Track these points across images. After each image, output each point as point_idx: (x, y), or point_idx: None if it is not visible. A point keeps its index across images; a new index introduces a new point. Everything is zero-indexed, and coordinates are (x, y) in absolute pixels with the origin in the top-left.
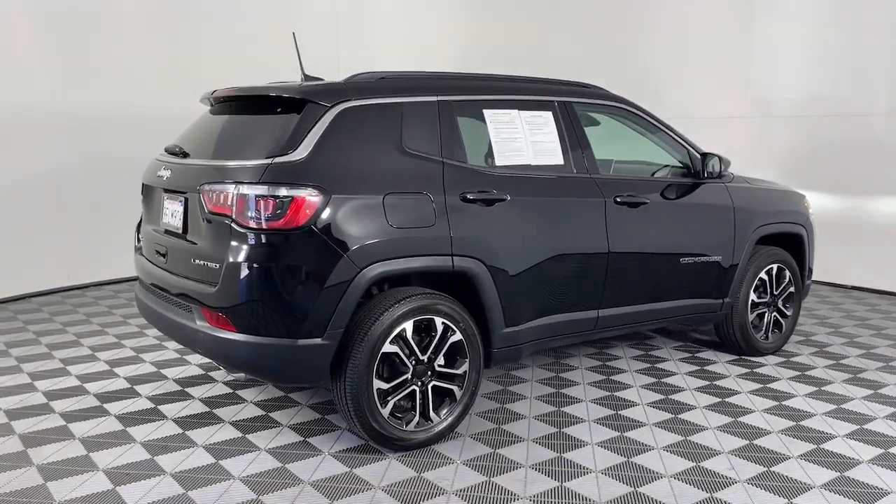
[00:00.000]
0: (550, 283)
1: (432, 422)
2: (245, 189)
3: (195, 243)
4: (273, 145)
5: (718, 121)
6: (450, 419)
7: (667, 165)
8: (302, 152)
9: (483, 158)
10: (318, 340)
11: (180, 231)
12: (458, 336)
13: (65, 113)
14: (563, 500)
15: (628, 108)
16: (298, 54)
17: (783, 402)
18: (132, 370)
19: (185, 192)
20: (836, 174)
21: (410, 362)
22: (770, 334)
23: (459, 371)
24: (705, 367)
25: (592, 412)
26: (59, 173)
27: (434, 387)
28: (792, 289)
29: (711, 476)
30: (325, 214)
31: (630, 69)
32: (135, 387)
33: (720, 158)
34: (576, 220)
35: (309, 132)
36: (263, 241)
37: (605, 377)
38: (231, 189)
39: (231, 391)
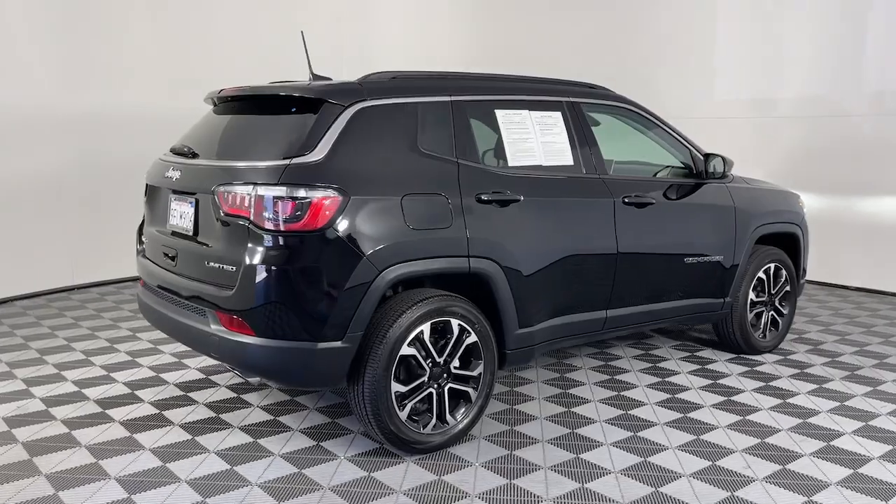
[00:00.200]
0: (562, 284)
1: (448, 424)
2: (263, 190)
3: (209, 245)
4: (290, 146)
5: (719, 121)
6: (465, 421)
7: (668, 166)
8: (320, 153)
9: (495, 159)
10: (337, 344)
11: (191, 233)
12: (473, 338)
13: (68, 112)
14: (587, 502)
15: (633, 108)
16: (307, 53)
17: (788, 400)
18: (130, 375)
19: (196, 194)
20: (840, 174)
21: (427, 365)
22: (767, 333)
23: (474, 373)
24: (706, 366)
25: (602, 412)
26: (60, 173)
27: (450, 389)
28: (788, 288)
29: (729, 475)
30: (345, 216)
31: (630, 68)
32: (136, 392)
33: (724, 159)
34: (587, 220)
35: (326, 132)
36: (282, 243)
37: (609, 377)
38: (248, 190)
39: (235, 395)
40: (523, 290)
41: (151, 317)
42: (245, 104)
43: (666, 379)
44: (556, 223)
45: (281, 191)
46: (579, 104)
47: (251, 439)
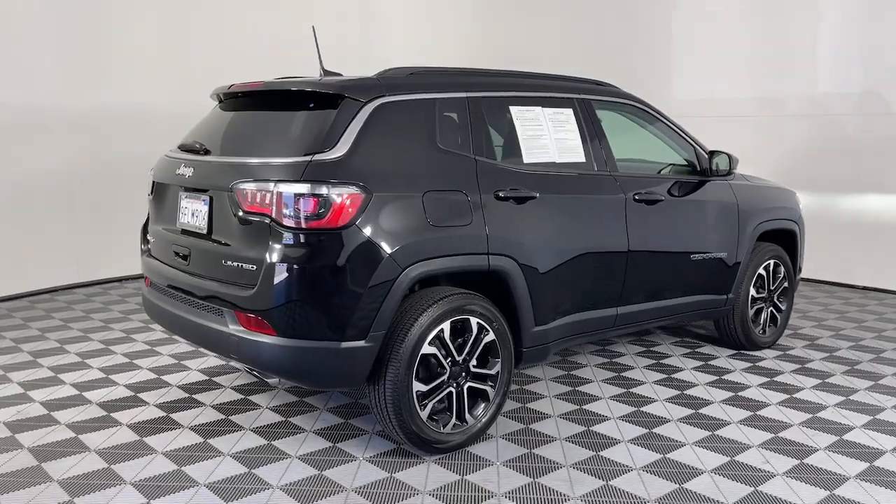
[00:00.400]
0: (576, 282)
1: (468, 423)
2: (285, 187)
3: (227, 244)
4: (310, 142)
5: (720, 119)
6: (484, 420)
7: (670, 164)
8: (341, 149)
9: (510, 156)
10: (361, 343)
11: (204, 231)
12: (491, 336)
13: (75, 110)
14: (614, 499)
15: (639, 105)
16: (318, 49)
17: (794, 395)
18: (130, 377)
19: (209, 191)
20: (843, 173)
21: (447, 363)
22: (767, 329)
23: (493, 371)
24: (709, 362)
25: (615, 409)
26: (67, 171)
27: (468, 388)
28: (786, 284)
29: (749, 470)
30: (368, 213)
31: (630, 66)
32: (139, 395)
33: (729, 156)
34: (600, 217)
35: (346, 129)
36: (305, 241)
37: (616, 374)
38: (269, 187)
39: (242, 397)
40: (539, 288)
41: (159, 317)
42: (259, 100)
43: (672, 375)
44: (570, 220)
45: (303, 188)
46: (589, 101)
47: (265, 441)
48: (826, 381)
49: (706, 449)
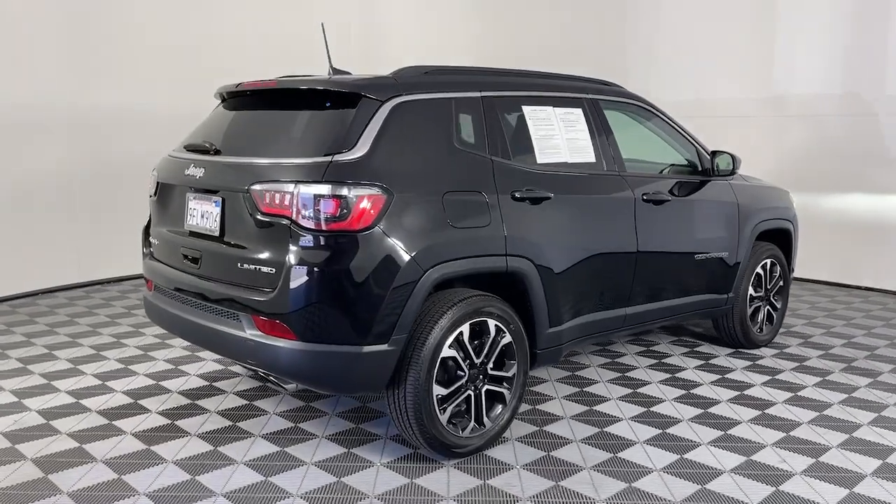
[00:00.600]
0: (589, 282)
1: (485, 426)
2: (306, 188)
3: (242, 247)
4: (329, 142)
5: (721, 119)
6: (501, 423)
7: (674, 163)
8: (361, 149)
9: (524, 156)
10: (383, 347)
11: (217, 233)
12: (508, 338)
13: (75, 110)
14: (640, 502)
15: (644, 105)
16: (327, 46)
17: (798, 393)
18: (127, 384)
19: (221, 192)
20: (846, 174)
21: (466, 366)
22: (764, 327)
23: (509, 374)
24: (710, 361)
25: (625, 410)
26: (70, 171)
27: (486, 391)
28: (782, 283)
29: (768, 469)
30: (390, 214)
31: (630, 65)
32: (139, 401)
33: (732, 156)
34: (612, 217)
35: (365, 128)
36: (327, 243)
37: (620, 374)
38: (290, 189)
39: (247, 402)
40: (554, 289)
41: (165, 321)
42: (269, 99)
43: (676, 375)
44: (583, 221)
45: (324, 189)
46: (597, 101)
47: (277, 448)
48: (826, 378)
49: (722, 449)
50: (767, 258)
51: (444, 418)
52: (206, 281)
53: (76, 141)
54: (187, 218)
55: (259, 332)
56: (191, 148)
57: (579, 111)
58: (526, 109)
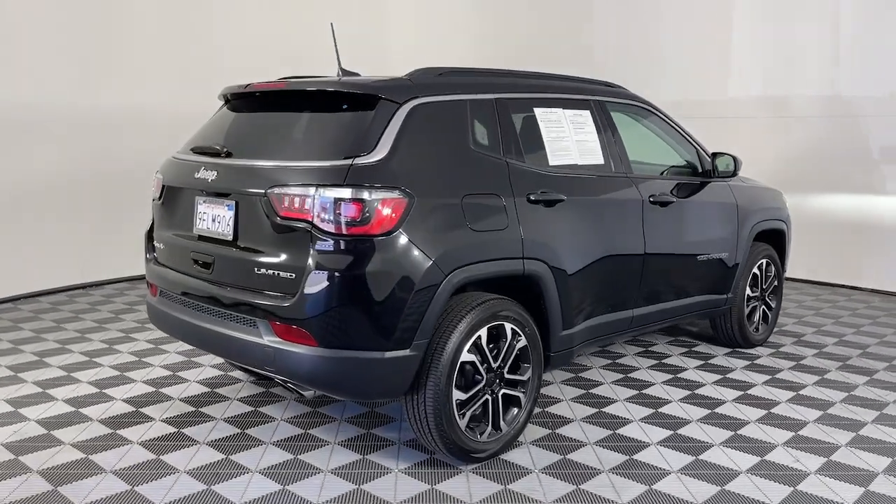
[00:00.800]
0: (600, 284)
1: (502, 431)
2: (327, 192)
3: (259, 251)
4: (349, 145)
5: (721, 120)
6: (517, 427)
7: (676, 165)
8: (380, 152)
9: (536, 158)
10: (405, 352)
11: (230, 238)
12: (523, 341)
13: (80, 112)
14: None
15: (646, 107)
16: (336, 47)
17: (800, 392)
18: (126, 391)
19: (233, 195)
20: (827, 174)
21: (483, 370)
22: (760, 326)
23: (524, 377)
24: (709, 361)
25: (633, 412)
26: (72, 172)
27: (502, 394)
28: (776, 283)
29: (783, 469)
30: (411, 218)
31: (630, 66)
32: (141, 409)
33: (734, 158)
34: (622, 219)
35: (384, 130)
36: (348, 247)
37: (623, 375)
38: (310, 192)
39: (253, 408)
40: (567, 291)
41: (171, 326)
42: (279, 100)
43: (678, 375)
44: (595, 223)
45: (346, 192)
46: (604, 103)
47: (291, 455)
48: (825, 377)
49: (735, 449)
50: (763, 258)
51: (463, 423)
52: (219, 286)
53: (76, 141)
54: (196, 222)
55: (277, 339)
56: (199, 150)
57: (587, 113)
58: (537, 111)
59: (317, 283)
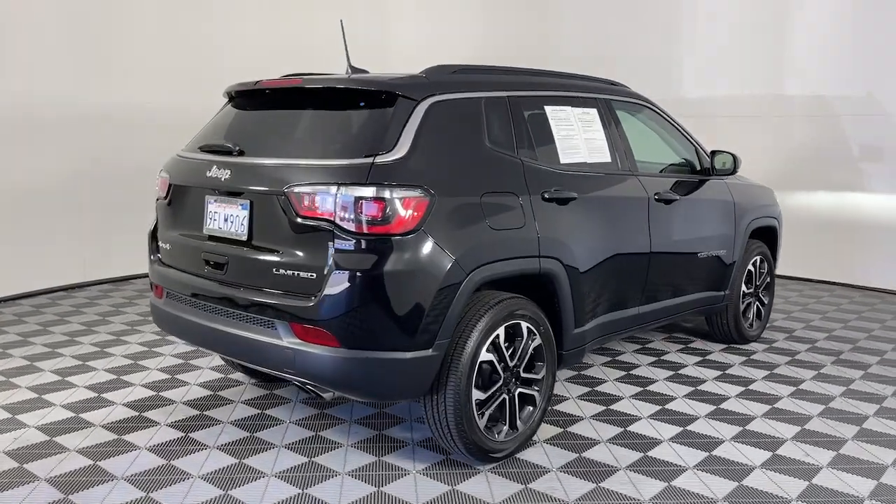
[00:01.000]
0: (609, 282)
1: (518, 430)
2: (349, 191)
3: (277, 251)
4: (369, 143)
5: (721, 119)
6: (532, 425)
7: (675, 163)
8: (400, 150)
9: (548, 156)
10: (427, 352)
11: (244, 238)
12: (538, 340)
13: (81, 111)
14: (684, 500)
15: (648, 105)
16: (345, 44)
17: (800, 387)
18: (126, 395)
19: (245, 194)
20: (805, 172)
21: (501, 369)
22: (754, 323)
23: (539, 376)
24: (707, 357)
25: (641, 409)
26: (72, 171)
27: (518, 393)
28: (769, 279)
29: (795, 464)
30: (433, 217)
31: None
32: (144, 414)
33: (734, 156)
34: (631, 217)
35: (404, 128)
36: (371, 246)
37: (625, 372)
38: (332, 191)
39: (259, 411)
40: (579, 289)
41: (179, 328)
42: (293, 98)
43: (678, 372)
44: (605, 220)
45: (369, 191)
46: (610, 101)
47: (305, 458)
48: (821, 371)
49: (746, 444)
50: (757, 255)
51: (482, 423)
52: (233, 287)
53: (77, 141)
54: (207, 221)
55: (298, 340)
56: (208, 148)
57: (594, 111)
58: (548, 109)
59: (339, 284)
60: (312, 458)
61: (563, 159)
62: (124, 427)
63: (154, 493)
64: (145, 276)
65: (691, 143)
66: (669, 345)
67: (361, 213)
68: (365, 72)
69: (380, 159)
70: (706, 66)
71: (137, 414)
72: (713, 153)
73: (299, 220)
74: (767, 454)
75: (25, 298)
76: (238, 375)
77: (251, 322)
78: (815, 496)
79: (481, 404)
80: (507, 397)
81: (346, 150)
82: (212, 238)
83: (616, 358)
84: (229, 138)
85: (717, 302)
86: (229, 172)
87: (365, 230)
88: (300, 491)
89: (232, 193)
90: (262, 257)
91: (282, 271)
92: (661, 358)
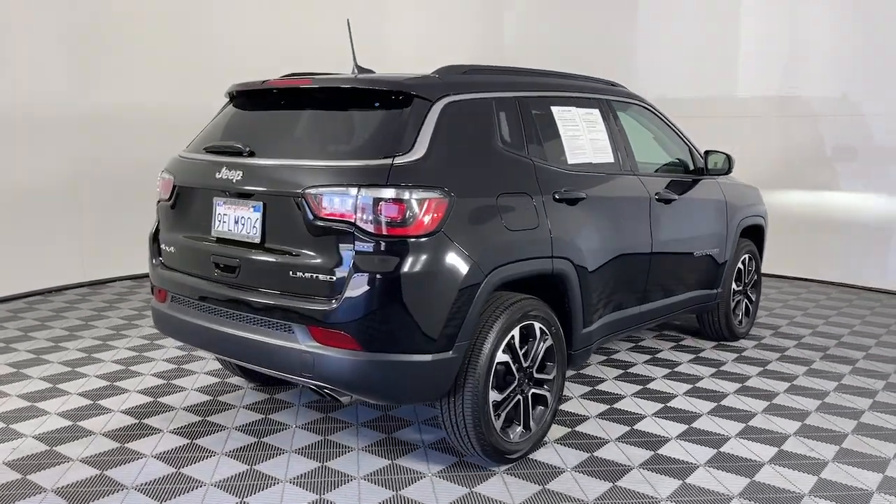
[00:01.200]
0: (615, 281)
1: (531, 430)
2: (371, 192)
3: (293, 253)
4: (388, 144)
5: (722, 119)
6: (543, 426)
7: (670, 163)
8: (418, 151)
9: (556, 156)
10: (448, 354)
11: (257, 240)
12: (550, 341)
13: (81, 111)
14: (700, 497)
15: (645, 106)
16: (352, 44)
17: (794, 383)
18: (122, 402)
19: (256, 196)
20: (781, 171)
21: (515, 370)
22: (743, 320)
23: (550, 376)
24: (699, 354)
25: (644, 407)
26: (72, 171)
27: (532, 394)
28: (756, 277)
29: (802, 459)
30: (452, 218)
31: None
32: (144, 421)
33: (728, 156)
34: (634, 216)
35: (420, 129)
36: (393, 248)
37: (623, 371)
38: (352, 193)
39: (263, 416)
40: (588, 289)
41: (185, 332)
42: (302, 97)
43: (675, 370)
44: (612, 220)
45: (390, 192)
46: (611, 102)
47: (318, 463)
48: (812, 367)
49: (751, 441)
50: (746, 253)
51: (499, 424)
52: (246, 291)
53: (77, 141)
54: (215, 224)
55: (317, 344)
56: (216, 149)
57: (597, 112)
58: (554, 110)
59: (361, 286)
60: (325, 463)
61: (571, 160)
62: (126, 435)
63: (167, 502)
64: (133, 277)
65: (685, 143)
66: (662, 342)
67: (383, 214)
68: (371, 72)
69: (399, 160)
70: (718, 64)
71: (137, 421)
72: (707, 153)
73: (317, 222)
74: (774, 450)
75: (6, 302)
76: (236, 380)
77: (265, 325)
78: (827, 490)
79: (497, 406)
80: (521, 398)
81: (364, 151)
82: (220, 241)
83: (612, 357)
84: (237, 139)
85: (710, 300)
86: (241, 174)
87: (386, 232)
88: (318, 497)
89: (242, 195)
90: (277, 260)
91: (299, 274)
92: (656, 356)
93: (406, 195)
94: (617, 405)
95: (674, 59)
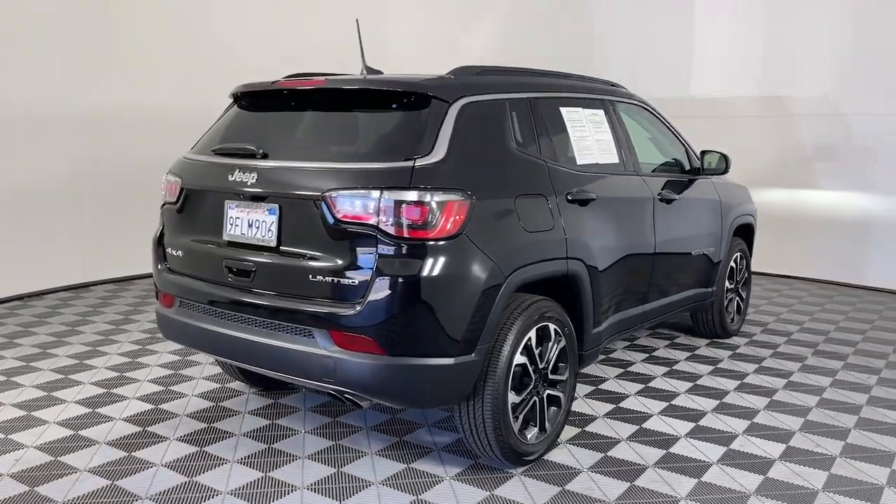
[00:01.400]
0: (622, 281)
1: (546, 431)
2: (394, 195)
3: (312, 257)
4: (408, 145)
5: (716, 119)
6: (557, 427)
7: (669, 163)
8: (438, 153)
9: (566, 157)
10: (471, 357)
11: (273, 244)
12: (563, 342)
13: (80, 111)
14: (718, 495)
15: (644, 106)
16: (361, 44)
17: (791, 380)
18: (122, 409)
19: (270, 198)
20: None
21: (532, 372)
22: (735, 317)
23: (564, 377)
24: (695, 352)
25: (650, 405)
26: (72, 171)
27: (547, 395)
28: (747, 275)
29: (811, 455)
30: (474, 220)
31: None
32: (148, 428)
33: (725, 156)
34: (639, 216)
35: (440, 131)
36: (416, 251)
37: (622, 370)
38: (374, 195)
39: (270, 421)
40: (598, 289)
41: (194, 338)
42: (316, 99)
43: (673, 368)
44: (620, 220)
45: (413, 195)
46: (614, 102)
47: (333, 468)
48: (805, 363)
49: (759, 438)
50: (738, 252)
51: (517, 426)
52: (262, 295)
53: (77, 141)
54: (227, 227)
55: (339, 348)
56: (227, 152)
57: (602, 112)
58: (563, 111)
59: (384, 290)
60: (340, 469)
61: (580, 160)
62: (131, 444)
63: None
64: (133, 278)
65: (682, 143)
66: (656, 341)
67: (406, 217)
68: (380, 72)
69: (420, 162)
70: (717, 64)
71: (141, 429)
72: (703, 153)
73: (338, 225)
74: (782, 446)
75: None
76: (236, 385)
77: (283, 331)
78: (839, 486)
79: (514, 408)
80: (537, 399)
81: (383, 153)
82: (232, 244)
83: (610, 356)
84: (248, 141)
85: (706, 298)
86: (255, 176)
87: (409, 235)
88: (338, 503)
89: (257, 198)
90: (295, 264)
91: (319, 278)
92: (653, 354)
93: (428, 197)
94: (622, 404)
95: (660, 59)
